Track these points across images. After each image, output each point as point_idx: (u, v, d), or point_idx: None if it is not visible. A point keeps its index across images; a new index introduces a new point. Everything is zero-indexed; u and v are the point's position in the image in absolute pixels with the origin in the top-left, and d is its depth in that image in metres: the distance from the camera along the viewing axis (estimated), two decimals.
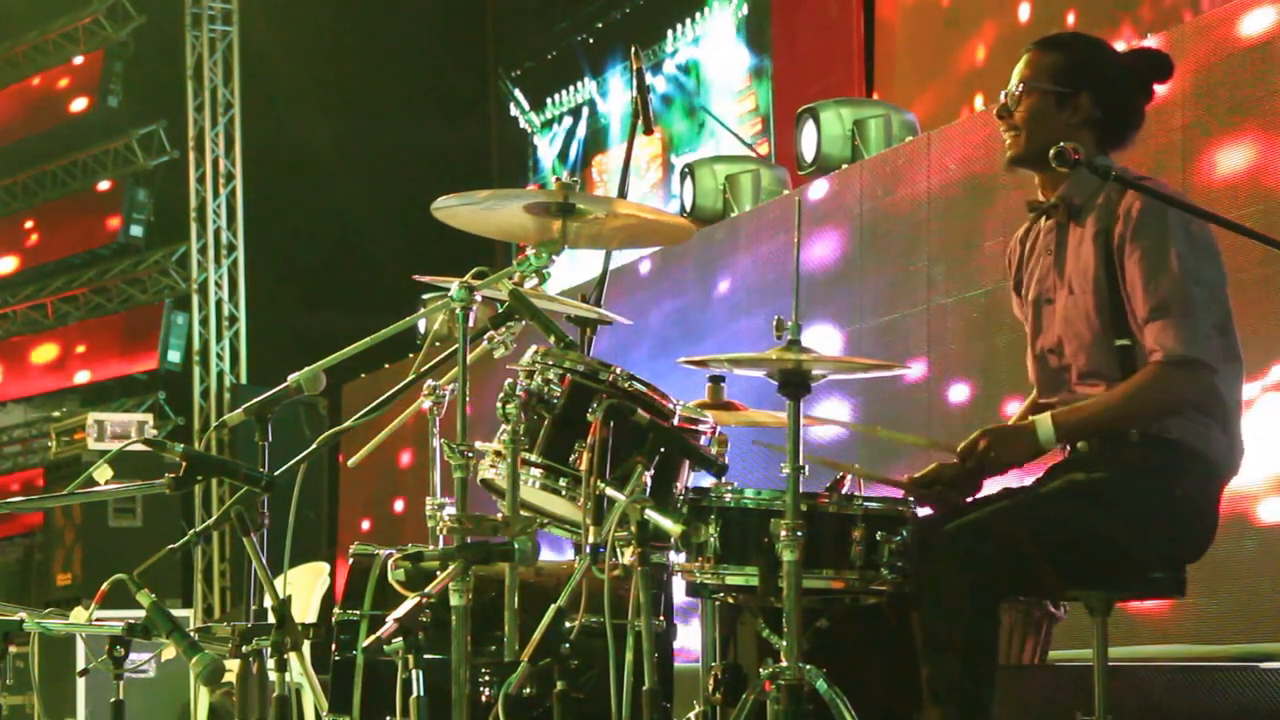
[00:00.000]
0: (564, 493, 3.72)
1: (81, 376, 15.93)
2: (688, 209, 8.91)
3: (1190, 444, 3.68)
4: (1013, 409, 4.21)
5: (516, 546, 3.36)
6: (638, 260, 9.16)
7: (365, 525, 12.01)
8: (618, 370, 3.75)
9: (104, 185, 15.70)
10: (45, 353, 16.25)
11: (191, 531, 3.67)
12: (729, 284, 8.43)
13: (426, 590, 3.23)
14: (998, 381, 6.52)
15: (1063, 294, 3.83)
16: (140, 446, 4.13)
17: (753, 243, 8.30)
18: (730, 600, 3.79)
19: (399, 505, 11.55)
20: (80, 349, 15.97)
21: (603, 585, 3.53)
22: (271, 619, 3.43)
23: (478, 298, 3.67)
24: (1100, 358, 3.75)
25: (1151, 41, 6.00)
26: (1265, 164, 5.52)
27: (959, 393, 6.83)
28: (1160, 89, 3.97)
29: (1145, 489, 3.66)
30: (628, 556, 3.53)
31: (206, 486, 13.60)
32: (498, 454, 3.78)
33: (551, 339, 3.65)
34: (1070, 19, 8.86)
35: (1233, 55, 5.66)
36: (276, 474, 3.61)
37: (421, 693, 3.15)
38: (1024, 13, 9.36)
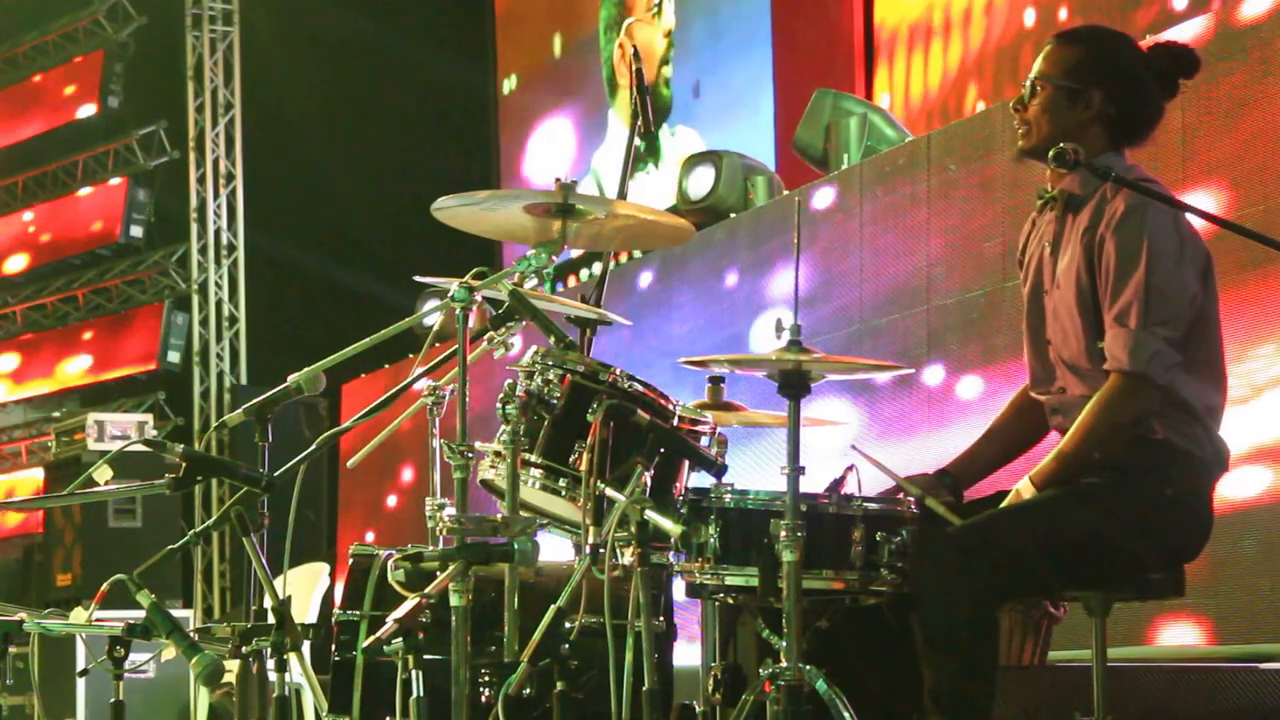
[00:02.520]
0: (564, 493, 3.72)
1: (81, 376, 15.91)
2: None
3: (1177, 444, 3.70)
4: None
5: (516, 547, 3.36)
6: (638, 261, 9.15)
7: (370, 537, 11.93)
8: (618, 371, 3.75)
9: (104, 185, 15.69)
10: (45, 353, 16.24)
11: (191, 532, 3.67)
12: (728, 285, 8.43)
13: (426, 591, 3.23)
14: (997, 382, 6.52)
15: (1053, 287, 3.84)
16: (140, 447, 4.14)
17: (752, 243, 8.29)
18: (730, 600, 3.79)
19: (391, 500, 11.53)
20: (80, 349, 15.96)
21: (603, 585, 3.53)
22: (271, 619, 3.43)
23: (478, 298, 3.67)
24: (1082, 355, 3.76)
25: (1150, 39, 5.98)
26: (1265, 163, 5.52)
27: (959, 393, 6.83)
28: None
29: (1138, 490, 3.67)
30: (628, 557, 3.53)
31: (206, 487, 13.60)
32: (498, 454, 3.78)
33: (551, 339, 3.65)
34: (1063, 13, 8.85)
35: (1233, 53, 5.65)
36: (276, 474, 3.61)
37: (421, 693, 3.15)
38: (1026, 13, 9.35)
